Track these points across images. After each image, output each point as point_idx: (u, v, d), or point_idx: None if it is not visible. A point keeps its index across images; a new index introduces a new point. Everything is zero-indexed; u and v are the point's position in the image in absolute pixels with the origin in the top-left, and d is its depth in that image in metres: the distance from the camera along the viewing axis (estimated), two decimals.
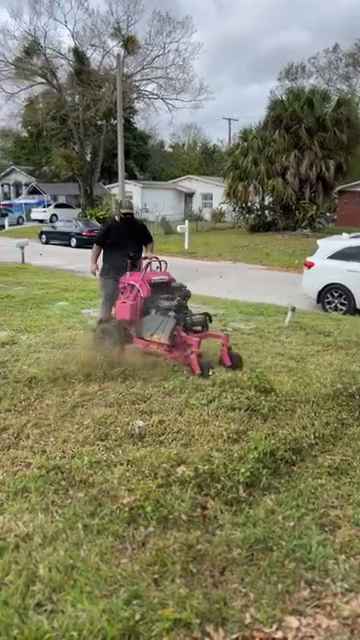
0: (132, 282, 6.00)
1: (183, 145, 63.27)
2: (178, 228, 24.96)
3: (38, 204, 42.09)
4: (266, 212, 29.52)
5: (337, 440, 3.97)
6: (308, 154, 26.22)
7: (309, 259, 11.26)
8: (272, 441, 3.68)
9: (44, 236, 27.73)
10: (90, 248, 7.05)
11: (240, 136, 30.01)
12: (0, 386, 4.79)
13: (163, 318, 5.68)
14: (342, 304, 10.54)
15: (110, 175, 45.15)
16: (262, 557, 2.62)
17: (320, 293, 10.80)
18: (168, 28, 35.10)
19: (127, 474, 3.27)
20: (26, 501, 3.03)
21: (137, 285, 5.93)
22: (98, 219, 29.32)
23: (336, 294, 10.63)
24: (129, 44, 34.91)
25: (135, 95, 37.88)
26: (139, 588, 2.34)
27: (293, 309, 8.62)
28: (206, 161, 57.17)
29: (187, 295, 5.98)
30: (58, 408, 4.37)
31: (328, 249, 11.05)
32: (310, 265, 11.09)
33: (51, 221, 34.43)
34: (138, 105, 40.92)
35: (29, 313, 8.87)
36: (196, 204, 41.86)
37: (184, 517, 2.87)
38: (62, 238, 26.37)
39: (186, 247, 23.11)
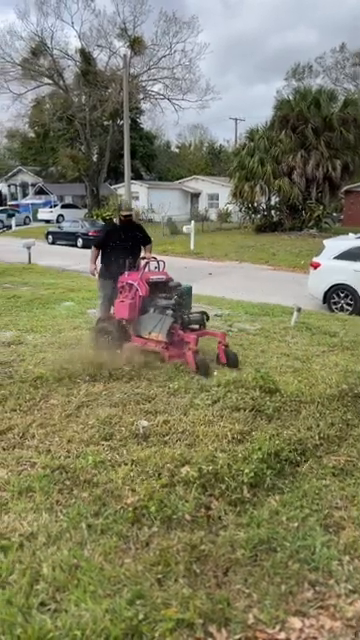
0: (131, 281, 6.11)
1: (189, 145, 63.28)
2: (184, 228, 24.97)
3: (45, 204, 42.22)
4: (272, 212, 29.46)
5: (342, 441, 3.96)
6: (315, 154, 26.15)
7: (315, 259, 11.23)
8: (277, 442, 3.68)
9: (50, 236, 27.84)
10: None
11: (246, 136, 30.00)
12: (6, 386, 4.81)
13: (161, 316, 5.78)
14: (348, 304, 10.50)
15: (116, 175, 45.26)
16: (266, 558, 2.61)
17: (326, 293, 10.77)
18: (174, 28, 35.22)
19: (131, 474, 3.28)
20: (30, 500, 3.04)
21: (135, 284, 6.04)
22: (104, 219, 29.38)
23: (342, 294, 10.60)
24: (135, 44, 34.99)
25: (141, 95, 37.94)
26: (142, 588, 2.35)
27: (299, 309, 8.60)
28: (212, 161, 57.15)
29: (185, 294, 6.08)
30: (63, 408, 4.39)
31: (334, 249, 11.01)
32: (316, 265, 11.06)
33: (57, 221, 34.52)
34: (144, 105, 41.03)
35: (35, 313, 8.90)
36: (202, 204, 41.86)
37: (188, 517, 2.87)
38: (68, 238, 26.45)
39: (192, 247, 23.10)
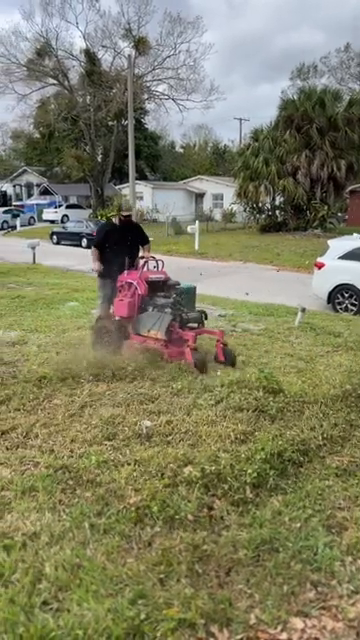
0: (130, 280, 6.20)
1: (194, 145, 63.28)
2: (188, 228, 24.97)
3: (49, 205, 42.32)
4: (277, 212, 29.44)
5: (345, 441, 3.95)
6: (319, 154, 26.10)
7: (319, 259, 11.20)
8: (280, 442, 3.67)
9: (55, 237, 27.89)
10: None
11: (251, 136, 29.99)
12: (10, 385, 4.82)
13: (160, 314, 5.86)
14: (353, 305, 10.48)
15: (121, 176, 45.30)
16: (268, 558, 2.61)
17: (330, 294, 10.75)
18: (179, 29, 35.22)
19: (134, 474, 3.28)
20: (34, 500, 3.05)
21: (135, 283, 6.13)
22: (108, 219, 29.43)
23: (347, 295, 10.57)
24: (140, 45, 35.02)
25: (146, 96, 37.98)
26: (144, 588, 2.35)
27: (303, 310, 8.59)
28: (217, 161, 57.13)
29: (183, 293, 6.15)
30: (67, 408, 4.40)
31: (339, 249, 10.99)
32: (320, 265, 11.04)
33: (62, 222, 34.61)
34: (149, 106, 41.08)
35: (39, 313, 8.93)
36: (207, 204, 41.86)
37: (190, 517, 2.87)
38: (73, 239, 26.51)
39: (196, 247, 23.11)
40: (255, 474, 3.26)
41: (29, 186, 51.18)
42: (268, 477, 3.30)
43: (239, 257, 21.19)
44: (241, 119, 47.71)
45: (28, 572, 2.43)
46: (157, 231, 30.74)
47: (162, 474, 3.26)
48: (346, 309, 10.49)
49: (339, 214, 31.80)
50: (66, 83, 36.52)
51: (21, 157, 56.45)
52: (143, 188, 40.74)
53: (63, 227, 29.25)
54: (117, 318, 6.25)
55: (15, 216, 37.91)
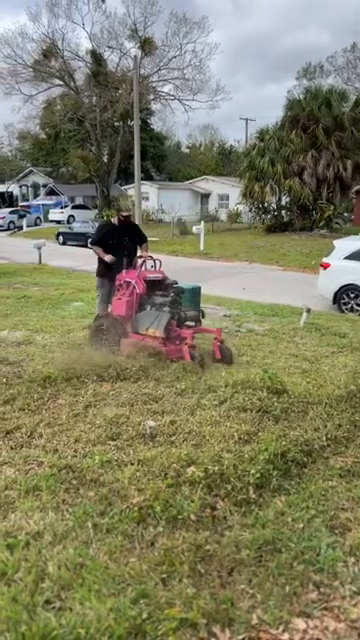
0: (128, 279, 6.29)
1: (200, 146, 63.27)
2: (194, 229, 24.97)
3: (55, 205, 42.45)
4: (283, 212, 29.38)
5: (349, 442, 3.94)
6: (325, 154, 26.03)
7: (325, 260, 11.18)
8: (283, 442, 3.66)
9: (61, 237, 27.98)
10: None
11: (257, 136, 29.92)
12: (15, 385, 4.84)
13: (158, 313, 5.96)
14: (358, 305, 10.44)
15: (127, 176, 45.37)
16: (270, 558, 2.61)
17: (336, 294, 10.72)
18: (185, 29, 35.27)
19: (137, 474, 3.28)
20: (37, 499, 3.07)
21: (133, 282, 6.22)
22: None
23: (352, 295, 10.54)
24: (146, 45, 35.10)
25: (152, 96, 38.06)
26: (147, 587, 2.35)
27: (308, 310, 8.57)
28: (223, 162, 57.09)
29: (181, 292, 6.22)
30: (71, 407, 4.41)
31: (344, 249, 10.96)
32: (326, 266, 11.01)
33: (68, 222, 34.70)
34: (155, 106, 41.15)
35: (45, 313, 8.97)
36: (212, 205, 41.84)
37: (193, 517, 2.87)
38: (79, 239, 26.56)
39: (202, 248, 23.11)
40: (258, 474, 3.26)
41: (35, 187, 51.38)
42: (271, 477, 3.30)
43: (244, 257, 21.17)
44: (247, 119, 47.69)
45: (31, 571, 2.44)
46: (162, 231, 30.78)
47: (165, 474, 3.26)
48: (352, 309, 10.46)
49: (345, 214, 31.71)
50: (72, 84, 36.65)
51: (27, 158, 56.68)
52: (149, 188, 40.77)
53: (69, 227, 29.33)
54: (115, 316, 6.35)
55: (21, 216, 38.06)
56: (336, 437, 3.93)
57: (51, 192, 46.74)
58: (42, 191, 49.11)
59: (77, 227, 28.09)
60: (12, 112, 54.38)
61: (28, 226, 36.46)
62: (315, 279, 11.98)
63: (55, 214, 39.78)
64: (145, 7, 35.98)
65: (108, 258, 6.74)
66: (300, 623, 2.23)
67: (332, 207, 26.21)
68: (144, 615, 2.18)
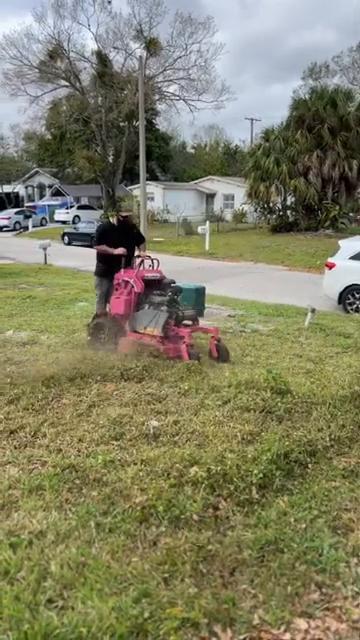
0: (126, 278, 6.38)
1: (205, 146, 63.25)
2: (199, 229, 24.98)
3: (61, 206, 42.58)
4: (288, 212, 29.32)
5: (353, 443, 3.93)
6: (331, 154, 25.96)
7: (330, 260, 11.15)
8: (286, 443, 3.66)
9: (66, 237, 28.05)
10: None
11: (262, 136, 29.90)
12: (19, 385, 4.85)
13: (156, 312, 6.03)
14: None
15: (132, 176, 45.44)
16: (273, 559, 2.61)
17: (341, 294, 10.69)
18: (190, 29, 35.21)
19: (140, 474, 3.29)
20: (40, 499, 3.08)
21: (131, 281, 6.30)
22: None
23: (358, 295, 10.50)
24: (151, 46, 35.10)
25: (157, 96, 38.01)
26: (149, 587, 2.36)
27: (313, 310, 8.56)
28: (228, 162, 57.02)
29: (178, 291, 6.28)
30: (75, 407, 4.42)
31: (350, 250, 10.93)
32: (331, 266, 10.99)
33: (74, 222, 34.78)
34: (160, 106, 41.08)
35: (50, 313, 9.00)
36: (217, 205, 41.81)
37: (195, 517, 2.88)
38: (84, 239, 26.58)
39: (207, 248, 23.11)
40: (261, 475, 3.26)
41: (41, 187, 51.53)
42: (274, 478, 3.30)
43: (250, 257, 21.15)
44: (252, 119, 47.61)
45: (34, 570, 2.45)
46: (168, 232, 30.81)
47: (168, 474, 3.26)
48: (357, 310, 10.42)
49: (351, 214, 31.56)
50: (78, 85, 36.69)
51: (33, 158, 56.84)
52: (154, 189, 40.79)
53: (74, 228, 29.40)
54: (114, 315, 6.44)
55: (27, 217, 38.24)
56: (340, 437, 3.92)
57: (57, 193, 46.86)
58: (48, 192, 49.24)
59: (82, 227, 28.15)
60: (18, 113, 54.69)
61: (34, 226, 36.61)
62: (320, 279, 11.96)
63: (61, 214, 39.90)
64: (150, 7, 36.06)
65: (118, 251, 6.75)
66: (302, 623, 2.23)
67: (337, 207, 26.13)
68: (146, 614, 2.19)
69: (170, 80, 36.86)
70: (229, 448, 3.62)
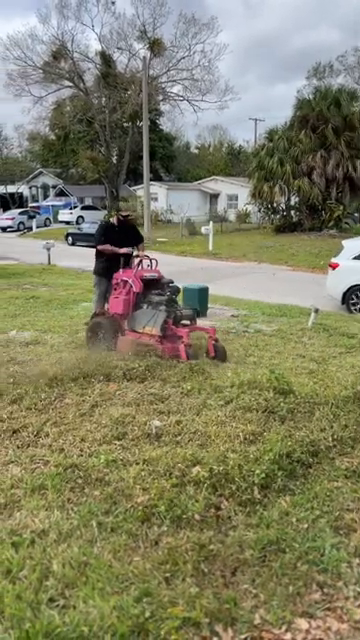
0: (125, 278, 6.42)
1: (209, 146, 63.24)
2: (203, 229, 24.98)
3: (65, 206, 42.64)
4: (292, 212, 29.29)
5: (356, 443, 3.92)
6: (335, 154, 25.92)
7: (334, 260, 11.14)
8: (289, 443, 3.65)
9: (70, 238, 28.11)
10: None
11: (266, 136, 29.87)
12: (22, 385, 4.86)
13: (155, 311, 6.07)
14: None
15: (136, 177, 45.47)
16: (274, 558, 2.61)
17: (345, 294, 10.67)
18: (194, 30, 35.31)
19: (142, 473, 3.29)
20: (43, 498, 3.09)
21: (130, 281, 6.34)
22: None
23: None
24: (155, 46, 35.16)
25: (161, 97, 38.12)
26: (150, 586, 2.36)
27: (316, 310, 8.54)
28: (232, 162, 57.02)
29: (177, 291, 6.35)
30: (77, 407, 4.43)
31: (353, 250, 10.91)
32: (335, 266, 10.97)
33: (77, 223, 34.84)
34: (164, 107, 41.20)
35: (53, 314, 9.02)
36: (221, 205, 41.79)
37: (197, 517, 2.88)
38: (88, 239, 26.57)
39: (210, 248, 23.10)
40: (263, 475, 3.26)
41: (45, 187, 51.65)
42: (276, 478, 3.29)
43: (253, 257, 21.14)
44: (256, 119, 47.66)
45: (35, 569, 2.46)
46: (171, 232, 30.83)
47: (170, 474, 3.26)
48: None
49: (355, 214, 31.52)
50: (81, 85, 36.79)
51: (37, 159, 56.98)
52: (158, 189, 40.81)
53: (78, 228, 29.46)
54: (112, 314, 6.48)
55: (31, 217, 38.31)
56: (342, 438, 3.91)
57: (60, 193, 46.95)
58: (52, 192, 49.35)
59: (86, 228, 28.18)
60: (22, 113, 54.81)
61: (38, 227, 36.68)
62: (324, 279, 11.94)
63: (64, 215, 39.96)
64: (154, 8, 36.09)
65: (124, 250, 6.78)
66: (303, 623, 2.22)
67: (341, 207, 26.09)
68: (147, 614, 2.19)
69: (174, 80, 36.97)
70: (231, 448, 3.62)
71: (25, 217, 38.65)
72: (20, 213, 39.77)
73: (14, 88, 35.20)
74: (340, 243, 12.15)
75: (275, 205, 28.75)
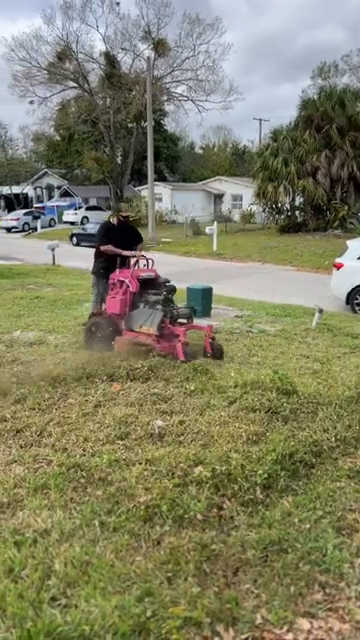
0: (122, 278, 6.47)
1: (213, 146, 63.22)
2: (207, 229, 24.97)
3: (70, 206, 42.71)
4: (296, 213, 29.24)
5: (359, 443, 3.91)
6: (339, 154, 25.86)
7: (338, 260, 11.11)
8: (292, 443, 3.65)
9: (75, 238, 28.14)
10: None
11: (270, 136, 29.85)
12: (26, 385, 4.88)
13: (152, 311, 6.13)
14: None
15: (140, 177, 45.52)
16: (276, 559, 2.60)
17: (349, 294, 10.65)
18: (198, 30, 35.23)
19: (145, 473, 3.30)
20: (45, 497, 3.10)
21: (126, 281, 6.39)
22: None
23: None
24: (159, 47, 35.15)
25: (165, 97, 38.05)
26: (152, 586, 2.36)
27: (320, 311, 8.53)
28: (236, 162, 56.97)
29: (173, 290, 6.36)
30: (81, 407, 4.44)
31: (358, 250, 10.88)
32: (339, 266, 10.95)
33: (82, 223, 34.87)
34: (168, 107, 41.13)
35: (57, 314, 9.04)
36: (225, 205, 41.76)
37: (199, 517, 2.88)
38: (92, 240, 26.54)
39: (215, 248, 23.09)
40: (266, 475, 3.25)
41: (50, 188, 51.74)
42: (279, 478, 3.29)
43: (258, 258, 21.11)
44: (261, 119, 47.60)
45: (38, 568, 2.47)
46: (176, 232, 30.82)
47: (173, 474, 3.27)
48: None
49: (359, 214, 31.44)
50: (86, 86, 36.81)
51: (42, 159, 57.11)
52: (162, 189, 40.83)
53: (83, 229, 29.47)
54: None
55: (36, 218, 38.40)
56: (345, 438, 3.90)
57: (65, 193, 47.03)
58: (56, 192, 49.42)
59: (91, 228, 28.14)
60: (27, 114, 54.91)
61: (42, 227, 36.76)
62: (328, 279, 11.91)
63: (69, 215, 40.02)
64: (158, 8, 36.11)
65: (127, 253, 6.80)
66: (304, 623, 2.22)
67: (346, 207, 26.03)
68: (148, 613, 2.19)
69: (178, 81, 36.92)
70: (234, 448, 3.62)
71: (30, 218, 38.76)
72: (25, 214, 39.90)
73: (19, 89, 35.25)
74: (344, 243, 12.12)
75: (279, 205, 28.71)
